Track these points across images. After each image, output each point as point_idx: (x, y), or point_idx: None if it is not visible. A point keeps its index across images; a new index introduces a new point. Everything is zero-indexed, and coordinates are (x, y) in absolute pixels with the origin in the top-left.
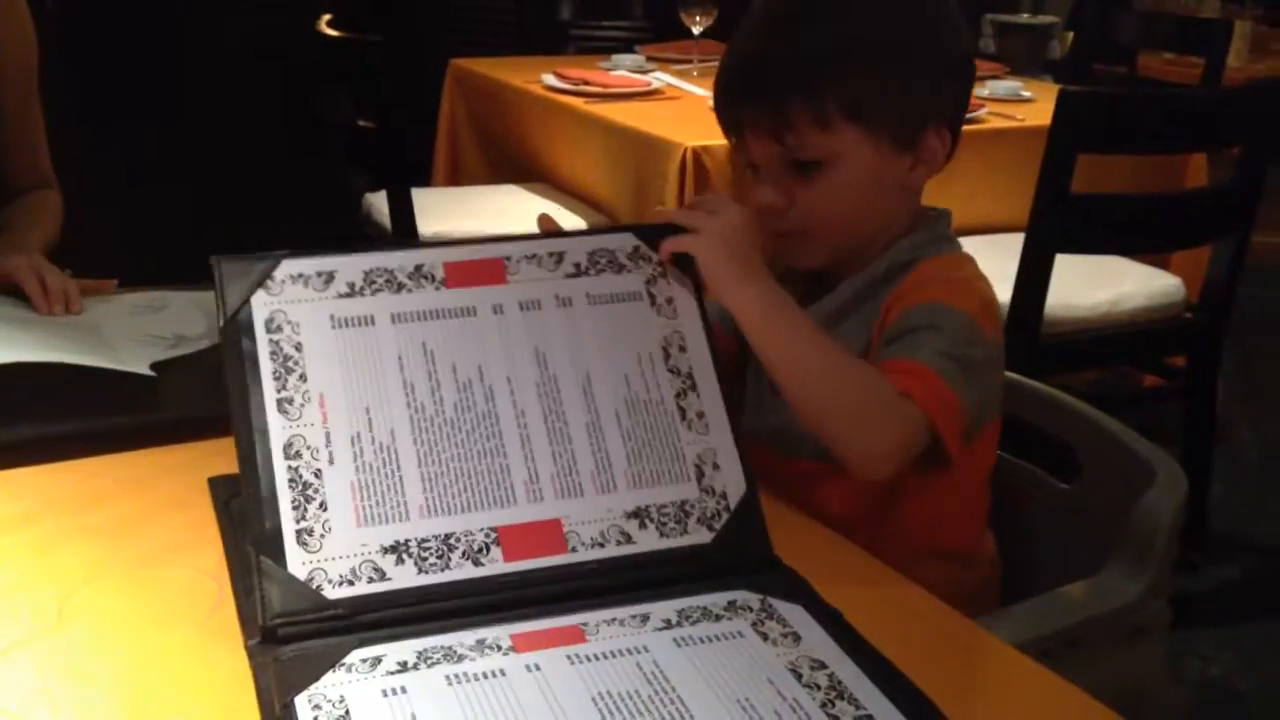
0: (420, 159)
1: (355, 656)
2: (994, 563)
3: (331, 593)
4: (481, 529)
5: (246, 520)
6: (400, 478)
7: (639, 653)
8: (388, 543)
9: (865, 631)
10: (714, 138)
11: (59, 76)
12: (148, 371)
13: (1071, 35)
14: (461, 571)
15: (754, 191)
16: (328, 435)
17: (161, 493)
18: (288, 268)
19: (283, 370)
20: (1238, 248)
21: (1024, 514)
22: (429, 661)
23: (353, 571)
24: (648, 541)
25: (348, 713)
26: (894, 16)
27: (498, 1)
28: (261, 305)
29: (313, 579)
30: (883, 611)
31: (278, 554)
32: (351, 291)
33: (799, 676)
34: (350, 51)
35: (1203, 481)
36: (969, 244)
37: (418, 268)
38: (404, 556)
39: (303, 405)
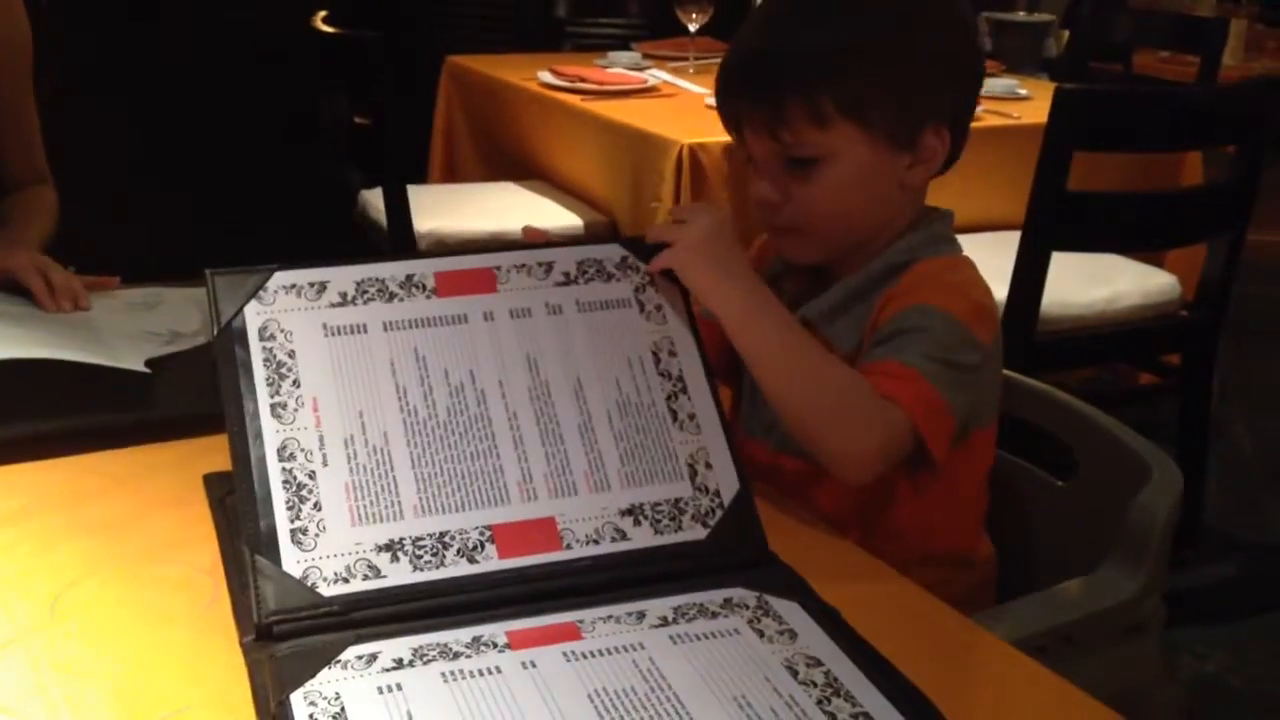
0: (416, 156)
1: (350, 653)
2: (990, 564)
3: (326, 590)
4: (476, 527)
5: (241, 521)
6: (394, 479)
7: (635, 650)
8: (382, 541)
9: (861, 628)
10: (710, 135)
11: (52, 73)
12: (143, 368)
13: (1067, 33)
14: (456, 569)
15: (751, 187)
16: (321, 438)
17: (157, 489)
18: (280, 279)
19: (276, 376)
20: (1233, 246)
21: (1020, 511)
22: (424, 659)
23: (348, 569)
24: (642, 538)
25: (343, 709)
26: (896, 17)
27: None
28: (254, 315)
29: (307, 576)
30: (879, 608)
31: (272, 553)
32: (344, 301)
33: (795, 673)
34: (346, 48)
35: (1198, 479)
36: (964, 241)
37: (409, 277)
38: (399, 554)
39: (296, 410)
